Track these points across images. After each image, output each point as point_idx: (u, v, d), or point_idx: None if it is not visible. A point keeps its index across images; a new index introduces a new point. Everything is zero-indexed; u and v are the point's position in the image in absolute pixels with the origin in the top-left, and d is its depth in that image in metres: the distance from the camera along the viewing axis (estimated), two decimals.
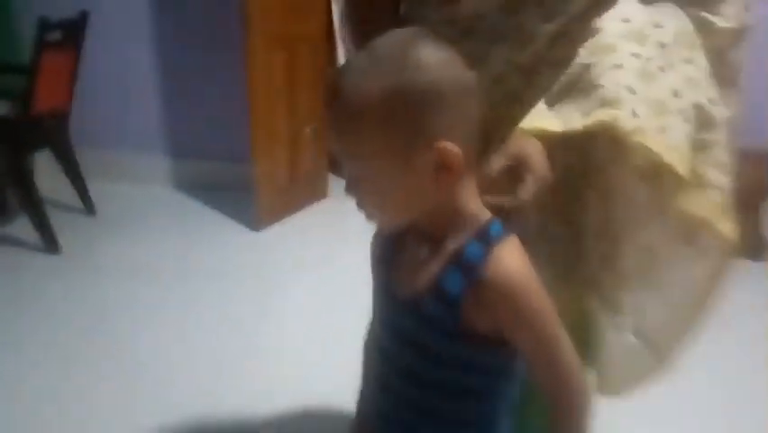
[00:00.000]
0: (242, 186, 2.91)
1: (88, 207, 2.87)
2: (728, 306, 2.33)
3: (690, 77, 0.80)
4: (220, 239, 2.75)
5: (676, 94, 0.78)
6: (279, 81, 2.72)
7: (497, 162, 0.71)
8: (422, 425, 0.72)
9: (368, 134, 0.62)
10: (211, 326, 2.10)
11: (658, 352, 0.93)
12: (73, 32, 2.51)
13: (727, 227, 0.84)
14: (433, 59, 0.61)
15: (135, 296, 2.25)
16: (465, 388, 0.69)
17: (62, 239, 2.53)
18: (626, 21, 0.79)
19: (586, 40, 0.79)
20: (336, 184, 3.35)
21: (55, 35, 2.37)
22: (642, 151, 0.74)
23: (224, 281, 2.38)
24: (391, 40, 0.64)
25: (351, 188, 0.68)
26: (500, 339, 0.66)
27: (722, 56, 0.86)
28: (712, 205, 0.83)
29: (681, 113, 0.78)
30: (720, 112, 0.82)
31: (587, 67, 0.78)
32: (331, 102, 0.64)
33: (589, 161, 0.82)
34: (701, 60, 0.82)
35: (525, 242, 0.67)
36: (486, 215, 0.68)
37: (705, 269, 0.87)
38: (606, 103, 0.75)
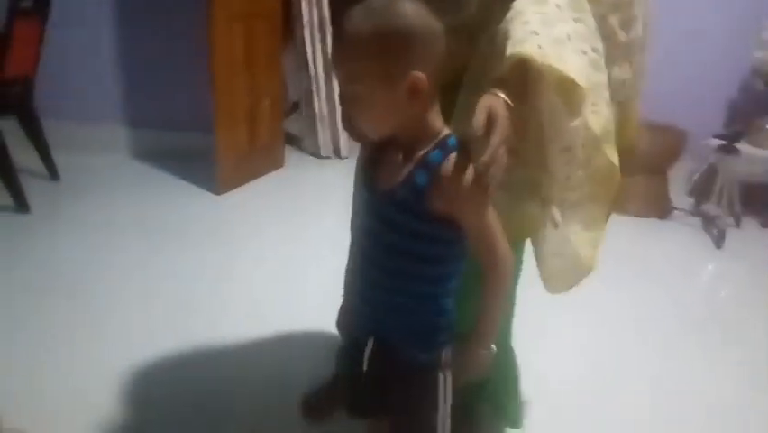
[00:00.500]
0: (202, 155, 3.08)
1: (52, 173, 2.99)
2: (642, 258, 2.73)
3: (578, 30, 1.00)
4: (181, 201, 2.90)
5: (569, 38, 0.98)
6: (239, 54, 2.92)
7: (477, 120, 0.86)
8: (397, 285, 0.96)
9: (363, 63, 0.84)
10: (172, 276, 2.22)
11: (580, 244, 1.11)
12: (42, 1, 2.63)
13: (609, 150, 1.03)
14: (410, 10, 0.85)
15: (100, 251, 2.38)
16: (429, 255, 0.94)
17: (30, 201, 2.64)
18: None
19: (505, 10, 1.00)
20: (291, 155, 3.58)
21: (27, 3, 2.49)
22: (550, 71, 0.93)
23: (185, 238, 2.54)
24: (373, 3, 0.87)
25: (348, 107, 0.91)
26: (454, 220, 0.90)
27: (604, 20, 1.08)
28: (602, 127, 1.02)
29: (574, 52, 0.98)
30: (601, 61, 1.02)
31: (506, 30, 0.98)
32: (339, 39, 0.88)
33: (526, 93, 0.99)
34: (589, 20, 1.02)
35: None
36: (446, 131, 0.92)
37: (606, 168, 1.05)
38: (517, 43, 0.94)
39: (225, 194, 3.00)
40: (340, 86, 0.92)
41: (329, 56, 3.41)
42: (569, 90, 0.94)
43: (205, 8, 2.72)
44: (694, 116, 3.07)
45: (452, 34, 0.90)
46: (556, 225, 1.08)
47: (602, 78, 1.01)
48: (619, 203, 1.11)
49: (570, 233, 1.09)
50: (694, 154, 3.07)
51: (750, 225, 3.05)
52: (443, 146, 0.89)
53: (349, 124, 1.11)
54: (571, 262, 1.11)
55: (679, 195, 3.19)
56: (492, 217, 0.91)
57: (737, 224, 3.00)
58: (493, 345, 0.96)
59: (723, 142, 2.85)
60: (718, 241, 2.79)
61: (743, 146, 2.90)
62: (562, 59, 0.93)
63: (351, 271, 1.11)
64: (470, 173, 0.85)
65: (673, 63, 3.16)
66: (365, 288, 1.00)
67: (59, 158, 3.02)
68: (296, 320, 1.95)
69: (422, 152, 0.90)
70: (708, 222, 2.95)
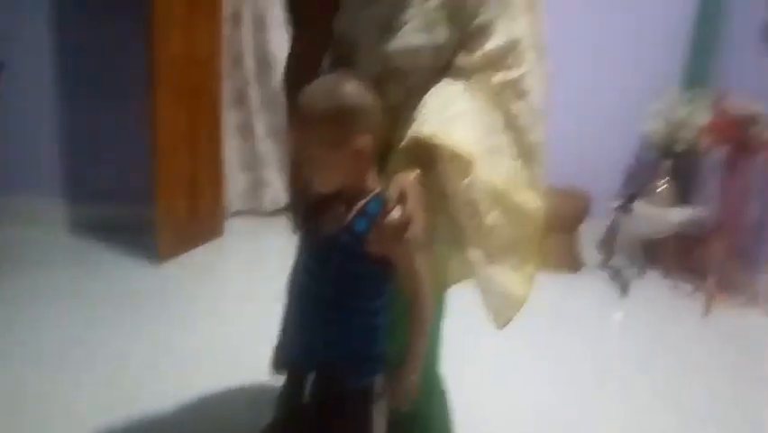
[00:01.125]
0: (141, 226, 3.15)
1: None
2: (556, 308, 3.00)
3: (473, 107, 1.20)
4: (119, 272, 2.92)
5: (460, 115, 1.17)
6: (182, 126, 3.06)
7: (391, 196, 1.09)
8: (335, 317, 1.11)
9: (318, 132, 1.03)
10: (110, 346, 2.24)
11: (512, 283, 1.27)
12: None
13: (529, 196, 1.25)
14: (354, 89, 1.05)
15: (35, 323, 2.37)
16: (364, 290, 1.12)
17: None
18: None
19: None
20: (230, 224, 3.69)
21: None
22: (440, 146, 1.14)
23: (123, 308, 2.56)
24: (334, 78, 1.10)
25: (305, 167, 1.08)
26: (386, 261, 1.09)
27: (499, 96, 1.26)
28: (503, 180, 1.22)
29: (464, 126, 1.18)
30: (497, 128, 1.23)
31: (414, 115, 1.19)
32: (296, 113, 1.06)
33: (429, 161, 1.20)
34: (482, 98, 1.22)
35: None
36: (379, 188, 1.11)
37: (522, 217, 1.26)
38: (416, 126, 1.15)
39: (164, 263, 3.05)
40: (296, 150, 1.11)
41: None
42: (457, 156, 1.15)
43: (148, 83, 2.87)
44: (597, 181, 3.46)
45: (385, 114, 1.12)
46: (479, 267, 1.24)
47: (498, 141, 1.22)
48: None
49: (496, 273, 1.25)
50: (598, 214, 3.43)
51: (653, 275, 3.40)
52: (379, 200, 1.09)
53: (296, 182, 1.28)
54: (503, 299, 1.27)
55: (589, 251, 3.52)
56: (419, 262, 1.10)
57: (641, 275, 3.35)
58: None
59: (620, 202, 3.22)
60: (624, 290, 3.10)
61: (639, 206, 3.28)
62: (449, 134, 1.14)
63: (290, 311, 1.26)
64: (399, 223, 1.05)
65: (578, 134, 3.57)
66: (307, 322, 1.16)
67: None
68: (233, 383, 2.04)
69: (361, 203, 1.10)
70: (615, 274, 3.27)
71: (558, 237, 3.37)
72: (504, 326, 1.30)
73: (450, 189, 1.17)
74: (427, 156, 1.14)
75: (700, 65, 3.53)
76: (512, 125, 1.25)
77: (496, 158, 1.21)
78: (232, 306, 2.72)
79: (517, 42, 1.23)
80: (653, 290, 3.23)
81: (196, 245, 3.30)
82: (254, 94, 3.66)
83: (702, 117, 3.12)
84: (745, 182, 2.90)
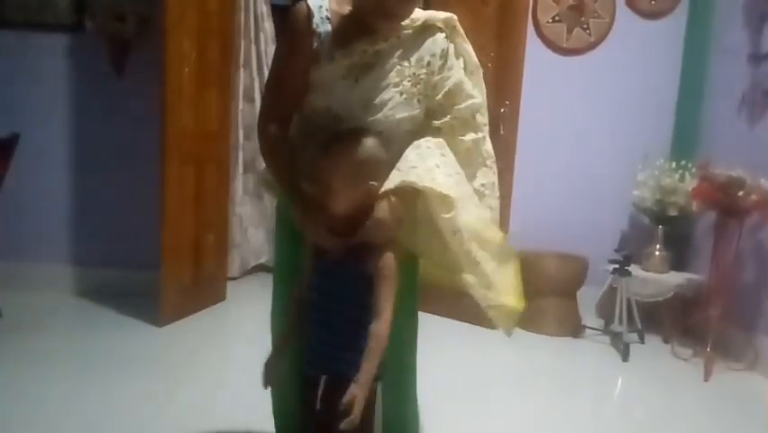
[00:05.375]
0: (145, 290, 3.23)
1: None
2: (558, 372, 3.01)
3: (445, 161, 1.47)
4: (122, 335, 2.98)
5: (438, 166, 1.44)
6: (189, 193, 3.20)
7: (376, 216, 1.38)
8: (341, 326, 1.37)
9: (341, 171, 1.34)
10: (110, 408, 2.26)
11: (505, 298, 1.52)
12: (5, 149, 2.88)
13: (494, 232, 1.52)
14: (371, 144, 1.37)
15: (37, 384, 2.41)
16: (363, 302, 1.34)
17: None
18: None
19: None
20: (234, 288, 3.75)
21: None
22: (428, 189, 1.41)
23: (124, 370, 2.60)
24: (358, 134, 1.38)
25: (325, 196, 1.35)
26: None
27: (469, 152, 1.55)
28: (474, 219, 1.47)
29: (442, 175, 1.43)
30: (463, 179, 1.50)
31: (398, 164, 1.45)
32: (335, 155, 1.35)
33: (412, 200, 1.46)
34: (450, 155, 1.49)
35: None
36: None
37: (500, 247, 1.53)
38: (403, 173, 1.41)
39: (167, 327, 3.10)
40: (322, 181, 1.37)
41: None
42: (440, 197, 1.42)
43: (157, 152, 3.03)
44: (593, 246, 3.52)
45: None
46: (473, 290, 1.49)
47: (467, 189, 1.51)
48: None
49: (491, 292, 1.50)
50: (596, 278, 3.47)
51: (653, 340, 3.39)
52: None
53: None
54: (502, 312, 1.52)
55: (589, 315, 3.54)
56: (390, 292, 1.33)
57: (641, 339, 3.35)
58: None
59: (616, 265, 3.26)
60: (624, 355, 3.10)
61: (635, 270, 3.33)
62: (434, 180, 1.42)
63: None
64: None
65: (574, 202, 3.68)
66: (317, 332, 1.39)
67: (3, 296, 3.09)
68: None
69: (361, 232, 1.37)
70: (615, 338, 3.28)
71: (558, 301, 3.40)
72: (510, 332, 1.55)
73: (437, 224, 1.44)
74: (410, 197, 1.43)
75: (685, 134, 3.68)
76: (476, 177, 1.57)
77: (467, 202, 1.48)
78: (231, 369, 2.74)
79: (480, 106, 1.55)
80: (654, 354, 3.22)
81: (199, 309, 3.36)
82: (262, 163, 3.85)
83: (690, 183, 3.22)
84: (735, 245, 2.95)
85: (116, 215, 3.53)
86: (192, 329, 3.15)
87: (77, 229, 3.56)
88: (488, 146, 1.58)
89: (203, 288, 3.41)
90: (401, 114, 1.46)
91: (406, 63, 1.46)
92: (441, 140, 1.49)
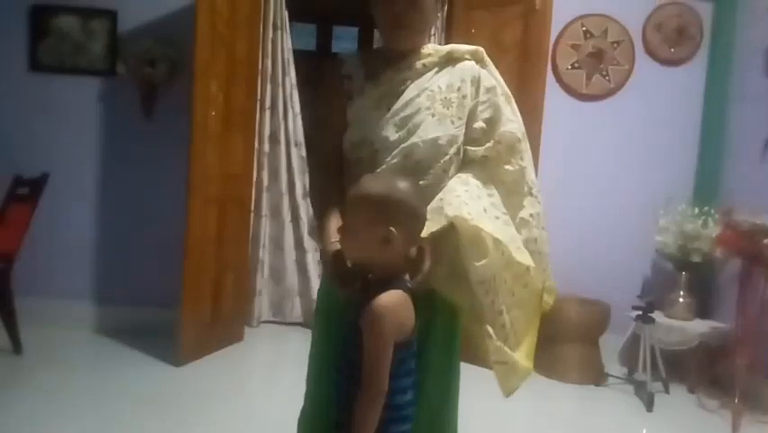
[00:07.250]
0: (163, 328, 3.25)
1: (16, 346, 3.07)
2: (580, 422, 2.94)
3: (493, 202, 1.44)
4: (140, 373, 2.99)
5: (485, 210, 1.40)
6: (211, 233, 3.24)
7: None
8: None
9: (361, 210, 1.24)
10: None
11: (518, 354, 1.46)
12: (35, 188, 2.96)
13: (537, 275, 1.46)
14: (400, 186, 1.26)
15: (54, 420, 2.43)
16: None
17: None
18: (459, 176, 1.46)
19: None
20: (250, 330, 3.75)
21: (23, 189, 2.80)
22: (476, 231, 1.34)
23: (141, 408, 2.61)
24: (389, 176, 1.34)
25: (342, 235, 1.27)
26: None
27: (509, 196, 1.50)
28: (527, 261, 1.43)
29: (489, 219, 1.39)
30: (510, 220, 1.45)
31: (441, 198, 1.41)
32: (357, 198, 1.26)
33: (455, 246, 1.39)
34: (497, 196, 1.46)
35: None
36: (403, 272, 1.28)
37: (530, 296, 1.47)
38: (454, 208, 1.35)
39: (184, 366, 3.10)
40: (343, 219, 1.32)
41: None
42: (477, 240, 1.34)
43: (181, 193, 3.08)
44: (616, 292, 3.47)
45: None
46: (489, 341, 1.41)
47: (513, 231, 1.45)
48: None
49: (507, 346, 1.43)
50: (618, 325, 3.41)
51: (678, 390, 3.30)
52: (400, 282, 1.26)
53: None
54: (512, 370, 1.44)
55: (612, 362, 3.47)
56: (383, 353, 1.20)
57: (666, 389, 3.26)
58: None
59: (639, 312, 3.21)
60: (648, 405, 3.01)
61: (659, 317, 3.27)
62: (484, 223, 1.36)
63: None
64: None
65: (595, 247, 3.65)
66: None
67: (25, 331, 3.13)
68: None
69: (380, 286, 1.23)
70: (639, 387, 3.20)
71: (580, 348, 3.34)
72: (510, 393, 1.47)
73: (465, 267, 1.36)
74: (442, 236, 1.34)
75: (708, 179, 3.65)
76: (524, 207, 1.51)
77: (518, 243, 1.44)
78: (246, 412, 2.72)
79: (521, 131, 1.50)
80: (679, 405, 3.13)
81: (217, 349, 3.35)
82: (285, 206, 3.89)
83: (713, 229, 3.18)
84: (762, 294, 2.89)
85: (139, 254, 3.58)
86: (209, 370, 3.14)
87: (99, 268, 3.60)
88: (532, 175, 1.53)
89: (221, 328, 3.41)
90: (435, 133, 1.43)
91: (435, 89, 1.47)
92: (485, 175, 1.45)
